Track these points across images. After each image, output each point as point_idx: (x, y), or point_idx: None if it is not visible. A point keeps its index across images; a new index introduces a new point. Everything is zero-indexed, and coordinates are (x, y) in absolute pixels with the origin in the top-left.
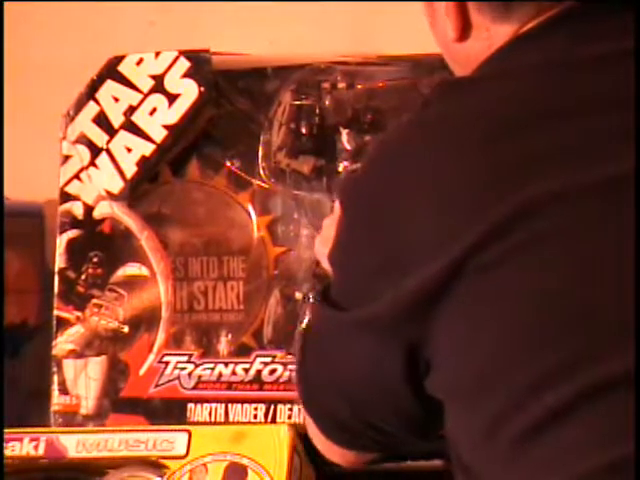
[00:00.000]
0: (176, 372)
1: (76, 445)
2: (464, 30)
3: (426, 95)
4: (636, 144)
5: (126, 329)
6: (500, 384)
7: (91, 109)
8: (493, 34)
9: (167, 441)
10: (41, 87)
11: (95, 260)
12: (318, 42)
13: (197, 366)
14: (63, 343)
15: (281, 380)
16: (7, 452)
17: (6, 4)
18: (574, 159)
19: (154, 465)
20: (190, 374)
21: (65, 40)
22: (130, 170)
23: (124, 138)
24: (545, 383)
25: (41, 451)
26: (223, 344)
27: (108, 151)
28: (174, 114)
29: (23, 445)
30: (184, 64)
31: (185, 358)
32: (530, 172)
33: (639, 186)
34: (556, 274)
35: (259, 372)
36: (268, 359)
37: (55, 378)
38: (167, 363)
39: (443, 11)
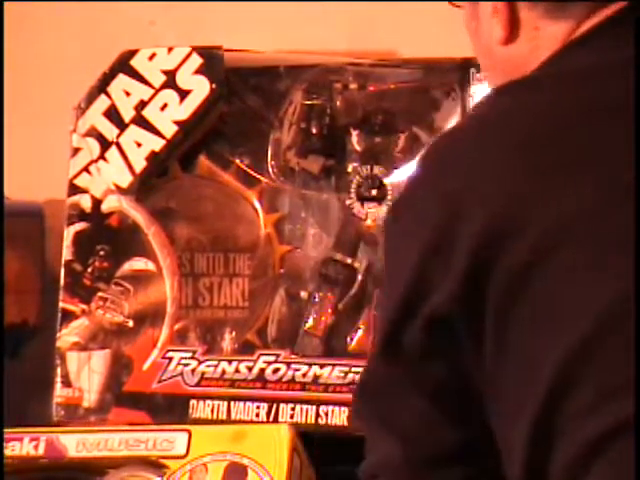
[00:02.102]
0: (179, 368)
1: (76, 445)
2: (512, 30)
3: (489, 92)
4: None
5: (131, 323)
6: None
7: (102, 102)
8: (542, 34)
9: (167, 441)
10: (41, 87)
11: (102, 253)
12: (319, 42)
13: (200, 363)
14: (67, 335)
15: (284, 379)
16: (7, 452)
17: (7, 4)
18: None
19: (154, 465)
20: (193, 370)
21: (65, 40)
22: (139, 164)
23: (134, 132)
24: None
25: (41, 451)
26: (227, 341)
27: (118, 145)
28: (185, 110)
29: (23, 445)
30: (196, 60)
31: (189, 354)
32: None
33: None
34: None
35: (262, 370)
36: (272, 358)
37: (58, 370)
38: (171, 359)
39: (490, 11)
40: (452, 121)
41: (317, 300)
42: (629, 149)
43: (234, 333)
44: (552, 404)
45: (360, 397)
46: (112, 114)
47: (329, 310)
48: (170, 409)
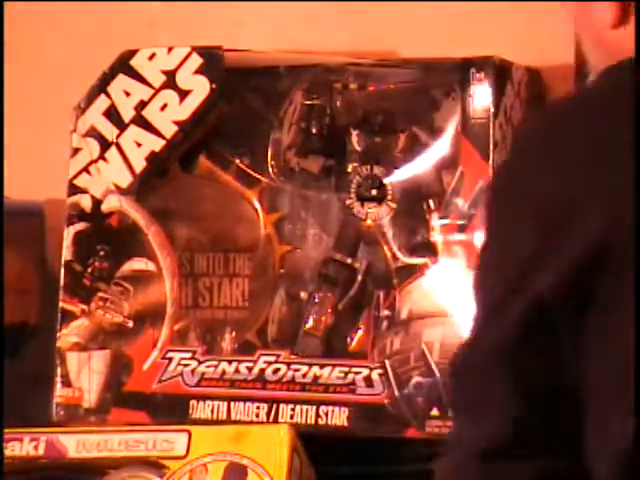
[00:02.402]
0: (179, 368)
1: (76, 445)
2: (624, 14)
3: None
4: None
5: (131, 324)
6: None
7: (102, 102)
8: None
9: (167, 441)
10: (41, 87)
11: (102, 253)
12: (319, 42)
13: (200, 363)
14: (67, 335)
15: (284, 380)
16: (7, 452)
17: (7, 4)
18: None
19: (154, 465)
20: (193, 371)
21: (65, 40)
22: (139, 165)
23: (134, 133)
24: None
25: (41, 451)
26: (227, 341)
27: (118, 145)
28: (185, 110)
29: (23, 445)
30: (196, 60)
31: (189, 354)
32: None
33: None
34: None
35: (262, 371)
36: (272, 358)
37: (58, 370)
38: (171, 359)
39: None
40: (452, 121)
41: (317, 300)
42: None
43: (234, 333)
44: None
45: (455, 375)
46: (112, 114)
47: (329, 310)
48: (170, 409)
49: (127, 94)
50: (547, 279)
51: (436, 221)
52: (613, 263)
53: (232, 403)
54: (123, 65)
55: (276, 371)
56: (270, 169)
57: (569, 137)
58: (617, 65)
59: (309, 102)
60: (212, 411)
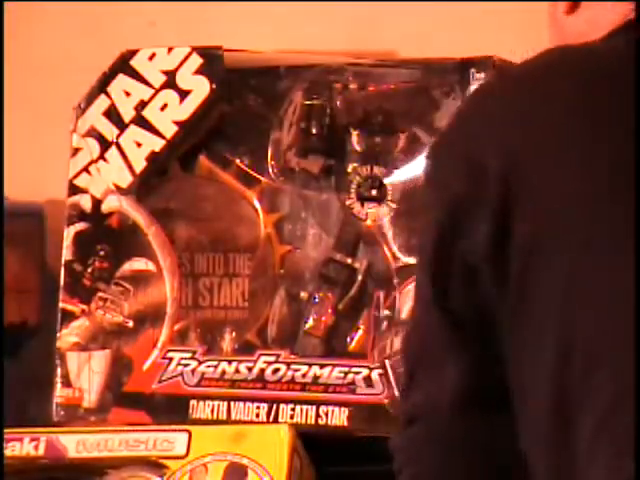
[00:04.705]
0: (179, 368)
1: (76, 445)
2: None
3: None
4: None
5: (131, 324)
6: None
7: (102, 102)
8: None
9: (167, 441)
10: (41, 87)
11: (102, 254)
12: (319, 42)
13: (200, 363)
14: (67, 336)
15: (284, 380)
16: (7, 452)
17: (7, 4)
18: None
19: (154, 465)
20: (193, 371)
21: (65, 40)
22: (139, 165)
23: (134, 133)
24: None
25: (41, 451)
26: (227, 341)
27: (118, 145)
28: (185, 110)
29: (23, 445)
30: (196, 60)
31: (189, 354)
32: None
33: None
34: None
35: (262, 371)
36: (272, 358)
37: (58, 370)
38: (171, 359)
39: None
40: None
41: (317, 300)
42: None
43: (234, 333)
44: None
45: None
46: (112, 114)
47: (329, 310)
48: (170, 409)
49: (127, 94)
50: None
51: None
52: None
53: (232, 403)
54: (123, 65)
55: (276, 371)
56: (270, 169)
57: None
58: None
59: (309, 102)
60: (212, 411)
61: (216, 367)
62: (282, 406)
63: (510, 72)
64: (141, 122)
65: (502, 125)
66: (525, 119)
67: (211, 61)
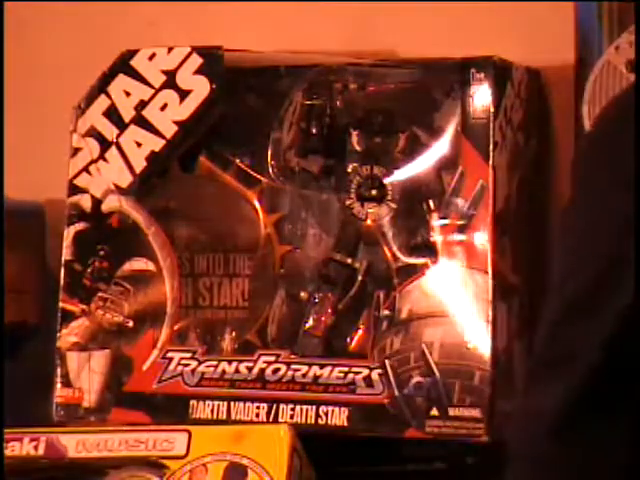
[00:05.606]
0: (179, 368)
1: (76, 445)
2: None
3: None
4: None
5: (131, 324)
6: None
7: (102, 102)
8: None
9: (167, 441)
10: (41, 87)
11: (102, 253)
12: (319, 42)
13: (200, 363)
14: (67, 335)
15: (284, 380)
16: (7, 452)
17: (7, 4)
18: None
19: (154, 465)
20: (193, 371)
21: (65, 40)
22: (139, 165)
23: (134, 132)
24: None
25: (41, 451)
26: (227, 341)
27: (118, 145)
28: (185, 110)
29: (23, 445)
30: (196, 60)
31: (189, 354)
32: None
33: (639, 189)
34: None
35: (262, 371)
36: (272, 358)
37: (58, 370)
38: (171, 359)
39: None
40: (452, 121)
41: (317, 300)
42: None
43: (234, 333)
44: None
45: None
46: (112, 114)
47: (329, 310)
48: (170, 409)
49: (127, 94)
50: None
51: (436, 221)
52: None
53: (232, 403)
54: (123, 65)
55: (276, 371)
56: (270, 169)
57: None
58: None
59: (309, 102)
60: (212, 411)
61: (216, 367)
62: (282, 406)
63: None
64: (141, 122)
65: None
66: None
67: (211, 61)
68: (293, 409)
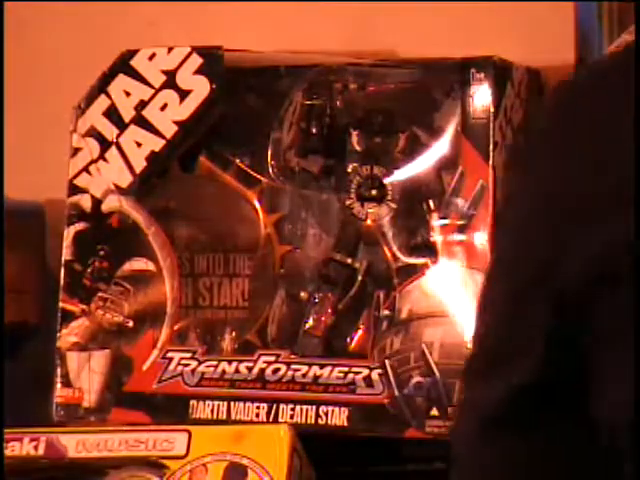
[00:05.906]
0: (179, 368)
1: (76, 445)
2: None
3: None
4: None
5: (131, 324)
6: None
7: (102, 102)
8: None
9: (167, 441)
10: (41, 87)
11: (102, 253)
12: (319, 42)
13: (200, 363)
14: (67, 335)
15: (284, 379)
16: (7, 452)
17: (7, 4)
18: None
19: (154, 465)
20: (193, 371)
21: (65, 40)
22: (139, 165)
23: (134, 132)
24: None
25: (41, 451)
26: (227, 341)
27: (118, 145)
28: (185, 110)
29: (23, 445)
30: (196, 60)
31: (189, 354)
32: None
33: (639, 188)
34: None
35: (262, 371)
36: (272, 358)
37: (58, 370)
38: (171, 359)
39: None
40: (452, 121)
41: (317, 300)
42: None
43: (234, 333)
44: None
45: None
46: (112, 114)
47: (329, 310)
48: (170, 409)
49: (127, 94)
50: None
51: (436, 221)
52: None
53: (232, 403)
54: (123, 65)
55: (276, 371)
56: (270, 169)
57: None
58: None
59: (309, 102)
60: (212, 411)
61: (216, 367)
62: (282, 406)
63: None
64: (141, 122)
65: None
66: None
67: (211, 61)
68: (293, 409)
